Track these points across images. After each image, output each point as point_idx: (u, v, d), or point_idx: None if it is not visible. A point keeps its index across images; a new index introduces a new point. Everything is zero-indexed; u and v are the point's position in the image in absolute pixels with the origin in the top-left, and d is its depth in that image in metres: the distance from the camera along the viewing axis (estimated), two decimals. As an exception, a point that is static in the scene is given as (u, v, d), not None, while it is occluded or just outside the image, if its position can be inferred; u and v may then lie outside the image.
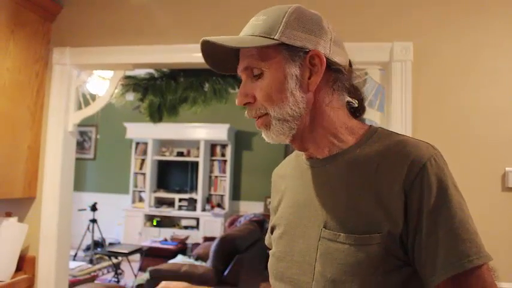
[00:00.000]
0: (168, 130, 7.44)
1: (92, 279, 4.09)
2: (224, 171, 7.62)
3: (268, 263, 0.99)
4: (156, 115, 3.19)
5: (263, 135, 0.92)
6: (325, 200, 0.88)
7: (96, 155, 8.20)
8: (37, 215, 2.43)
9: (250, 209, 7.32)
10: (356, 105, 0.98)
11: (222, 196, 7.65)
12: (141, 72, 2.97)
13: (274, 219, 1.00)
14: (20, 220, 2.41)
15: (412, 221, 0.79)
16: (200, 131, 7.43)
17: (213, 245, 4.10)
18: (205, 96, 2.98)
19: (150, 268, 4.03)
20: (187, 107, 3.20)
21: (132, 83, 3.00)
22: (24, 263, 2.39)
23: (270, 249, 1.08)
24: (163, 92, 2.92)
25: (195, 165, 7.58)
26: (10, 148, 2.30)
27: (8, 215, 2.40)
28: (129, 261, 5.78)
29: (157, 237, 7.00)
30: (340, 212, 0.85)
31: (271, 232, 1.03)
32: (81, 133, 8.09)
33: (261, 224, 5.64)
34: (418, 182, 0.79)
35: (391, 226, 0.79)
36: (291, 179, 1.00)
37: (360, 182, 0.85)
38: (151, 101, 3.08)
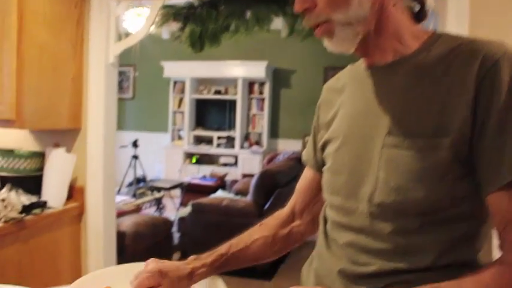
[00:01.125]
0: (205, 68, 7.40)
1: (137, 211, 4.23)
2: (262, 109, 7.59)
3: (323, 179, 0.97)
4: (198, 44, 3.14)
5: (325, 45, 0.86)
6: (389, 106, 0.83)
7: (135, 94, 8.29)
8: (83, 146, 2.48)
9: (288, 147, 7.31)
10: (418, 9, 0.91)
11: (260, 134, 7.66)
12: (180, 2, 2.90)
13: (328, 133, 0.96)
14: (68, 151, 2.46)
15: (480, 120, 0.73)
16: (238, 69, 7.36)
17: (254, 179, 4.14)
18: (248, 25, 2.89)
19: (191, 202, 4.13)
20: (229, 36, 3.12)
21: (172, 12, 2.93)
22: (74, 192, 2.47)
23: (305, 167, 1.09)
24: (204, 21, 2.85)
25: (233, 103, 7.56)
26: (54, 80, 2.32)
27: (56, 145, 2.45)
28: (170, 196, 5.95)
29: (196, 174, 7.15)
30: (405, 117, 0.80)
31: (323, 149, 0.99)
32: (120, 73, 8.13)
33: (299, 161, 5.64)
34: (490, 78, 0.73)
35: (460, 129, 0.74)
36: (348, 90, 0.95)
37: (427, 85, 0.79)
38: (192, 30, 3.01)
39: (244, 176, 6.66)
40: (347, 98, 0.94)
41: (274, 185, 4.07)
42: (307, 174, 1.11)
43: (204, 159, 7.68)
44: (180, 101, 7.88)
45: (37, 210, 2.22)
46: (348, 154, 0.88)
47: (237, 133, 7.52)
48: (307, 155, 1.09)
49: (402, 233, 0.79)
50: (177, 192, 6.21)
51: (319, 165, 1.03)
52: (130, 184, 6.23)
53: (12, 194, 2.23)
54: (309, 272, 0.99)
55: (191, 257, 1.03)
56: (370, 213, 0.82)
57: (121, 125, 8.04)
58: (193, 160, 7.62)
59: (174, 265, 0.99)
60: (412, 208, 0.77)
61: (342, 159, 0.89)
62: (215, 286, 1.04)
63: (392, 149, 0.79)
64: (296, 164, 5.31)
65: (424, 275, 0.76)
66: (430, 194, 0.75)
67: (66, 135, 2.50)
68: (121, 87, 8.15)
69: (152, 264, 0.96)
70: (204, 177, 6.64)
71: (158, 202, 5.46)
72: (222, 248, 1.06)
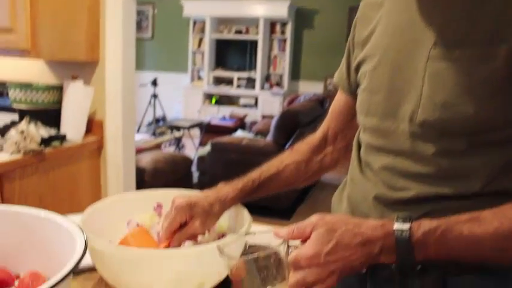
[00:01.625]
0: (226, 7, 7.18)
1: (155, 148, 4.23)
2: (284, 50, 7.41)
3: (358, 100, 0.89)
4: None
5: None
6: (435, 16, 0.73)
7: (154, 34, 8.14)
8: (101, 79, 2.41)
9: (309, 89, 7.18)
10: None
11: (281, 75, 7.52)
12: None
13: (365, 51, 0.87)
14: (86, 84, 2.41)
15: None
16: (259, 8, 7.12)
17: (275, 119, 4.07)
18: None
19: (211, 141, 4.10)
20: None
21: None
22: (93, 126, 2.44)
23: (337, 90, 1.03)
24: None
25: (253, 43, 7.39)
26: (70, 8, 2.23)
27: (74, 78, 2.40)
28: (190, 136, 5.94)
29: (216, 114, 7.11)
30: (454, 25, 0.70)
31: (358, 69, 0.91)
32: (138, 12, 7.94)
33: (321, 103, 5.53)
34: None
35: None
36: (389, 3, 0.84)
37: None
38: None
39: (264, 117, 6.59)
40: (387, 12, 0.84)
41: (295, 125, 3.99)
42: (340, 99, 1.04)
43: (224, 100, 7.61)
44: (200, 41, 7.72)
45: (56, 143, 2.20)
46: (387, 71, 0.79)
47: (257, 74, 7.39)
48: (339, 77, 1.01)
49: (447, 155, 0.71)
50: (196, 132, 6.20)
51: (353, 88, 0.95)
52: (150, 124, 6.23)
53: (31, 126, 2.21)
54: (341, 199, 0.94)
55: (220, 184, 0.99)
56: (411, 133, 0.74)
57: (140, 65, 7.96)
58: (213, 101, 7.57)
59: (202, 194, 0.96)
60: (459, 127, 0.69)
61: (379, 77, 0.81)
62: (240, 216, 1.00)
63: (439, 62, 0.70)
64: (318, 105, 5.21)
65: (468, 202, 0.69)
66: (480, 111, 0.67)
67: (84, 68, 2.44)
68: (140, 27, 7.99)
69: (179, 200, 0.93)
70: (223, 118, 6.60)
71: (178, 141, 5.46)
72: (253, 174, 1.02)
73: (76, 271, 0.99)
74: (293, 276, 0.66)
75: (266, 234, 0.75)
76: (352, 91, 0.96)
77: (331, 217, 0.69)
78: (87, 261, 0.88)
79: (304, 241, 0.68)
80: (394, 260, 0.66)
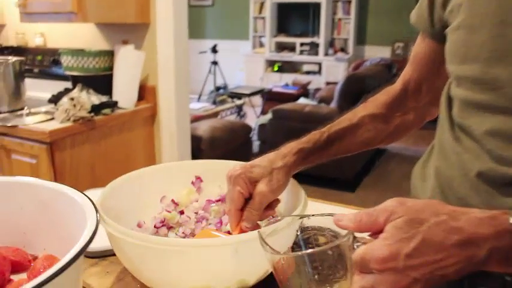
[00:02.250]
0: (287, -32, 6.87)
1: (215, 116, 4.11)
2: (348, 13, 7.00)
3: (449, 42, 0.67)
4: None
5: None
6: None
7: (215, 1, 7.97)
8: (153, 42, 2.29)
9: (376, 54, 6.77)
10: None
11: (345, 40, 7.15)
12: None
13: None
14: (137, 48, 2.29)
15: None
16: (322, -32, 6.75)
17: (339, 84, 3.81)
18: None
19: (272, 108, 3.92)
20: None
21: None
22: (146, 93, 2.33)
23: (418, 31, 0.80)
24: None
25: (316, 7, 7.03)
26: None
27: (125, 42, 2.29)
28: (251, 105, 5.79)
29: (278, 82, 6.90)
30: None
31: (445, 2, 0.68)
32: (199, -22, 7.82)
33: (389, 67, 5.17)
34: None
35: None
36: None
37: None
38: None
39: (328, 84, 6.31)
40: None
41: (361, 91, 3.71)
42: (421, 43, 0.82)
43: (286, 67, 7.37)
44: (261, 5, 7.46)
45: (107, 110, 2.11)
46: (490, 3, 0.57)
47: (321, 39, 7.06)
48: (418, 16, 0.78)
49: None
50: (258, 101, 6.04)
51: (437, 29, 0.73)
52: (210, 92, 6.14)
53: (83, 94, 2.13)
54: (425, 175, 0.73)
55: (283, 147, 0.81)
56: None
57: (201, 34, 7.86)
58: (275, 68, 7.35)
59: (264, 161, 0.78)
60: None
61: (482, 7, 0.58)
62: (295, 197, 0.81)
63: None
64: (385, 70, 4.87)
65: None
66: None
67: (134, 31, 2.32)
68: (200, -6, 7.86)
69: (231, 170, 0.76)
70: (286, 85, 6.38)
71: (239, 110, 5.32)
72: (319, 131, 0.83)
73: (100, 255, 0.87)
74: (358, 282, 0.48)
75: (324, 219, 0.57)
76: (436, 33, 0.73)
77: (414, 203, 0.49)
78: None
79: (375, 234, 0.49)
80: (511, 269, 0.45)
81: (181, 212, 0.86)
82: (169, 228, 0.84)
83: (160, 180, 0.89)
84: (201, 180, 0.91)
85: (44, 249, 0.78)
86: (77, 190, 0.73)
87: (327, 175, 3.76)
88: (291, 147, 0.80)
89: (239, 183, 0.74)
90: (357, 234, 0.51)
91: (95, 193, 0.76)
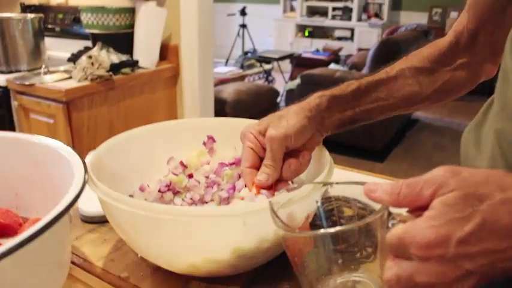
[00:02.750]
0: None
1: (242, 78, 3.99)
2: (384, -24, 6.68)
3: None
4: None
5: None
6: None
7: (245, -38, 7.73)
8: (176, -1, 2.17)
9: (412, 20, 6.46)
10: None
11: (380, 5, 6.84)
12: None
13: None
14: (159, 5, 2.18)
15: None
16: None
17: (372, 49, 3.63)
18: None
19: (301, 73, 3.77)
20: None
21: None
22: (168, 52, 2.23)
23: None
24: None
25: (351, -31, 6.74)
26: None
27: (147, -1, 2.18)
28: (280, 70, 5.64)
29: (308, 48, 6.69)
30: None
31: None
32: None
33: (426, 34, 4.91)
34: None
35: None
36: None
37: None
38: None
39: (360, 50, 6.07)
40: None
41: (395, 55, 3.50)
42: None
43: (318, 32, 7.13)
44: (293, -32, 7.20)
45: (127, 70, 2.02)
46: None
47: (354, 4, 6.77)
48: None
49: None
50: (287, 66, 5.87)
51: None
52: (239, 57, 6.00)
53: (103, 52, 2.05)
54: (481, 138, 0.61)
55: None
56: None
57: (230, -4, 7.67)
58: (306, 33, 7.12)
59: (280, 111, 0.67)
60: None
61: None
62: (320, 160, 0.70)
63: None
64: (422, 36, 4.62)
65: None
66: None
67: (157, -13, 2.20)
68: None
69: (248, 135, 0.67)
70: (316, 51, 6.17)
71: (267, 75, 5.18)
72: (350, 82, 0.72)
73: (98, 221, 0.78)
74: (392, 269, 0.37)
75: (352, 188, 0.46)
76: None
77: (471, 173, 0.37)
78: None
79: (416, 211, 0.38)
80: None
81: (190, 176, 0.77)
82: (176, 193, 0.74)
83: (168, 140, 0.79)
84: (214, 141, 0.81)
85: (37, 212, 0.70)
86: (70, 147, 0.64)
87: (355, 144, 3.62)
88: (314, 98, 0.69)
89: (249, 138, 0.65)
90: (393, 210, 0.40)
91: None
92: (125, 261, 0.64)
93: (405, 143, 4.07)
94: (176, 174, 0.76)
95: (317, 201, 0.50)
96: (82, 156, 0.63)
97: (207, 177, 0.77)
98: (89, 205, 0.76)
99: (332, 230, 0.39)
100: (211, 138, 0.81)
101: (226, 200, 0.73)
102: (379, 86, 0.70)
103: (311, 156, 0.67)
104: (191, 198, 0.73)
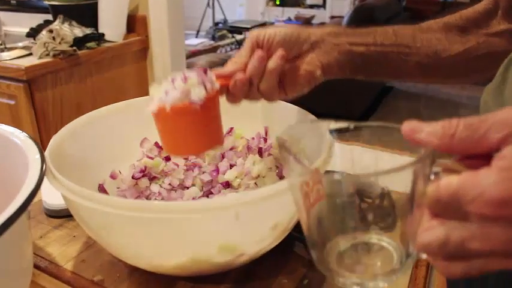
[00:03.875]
0: None
1: (214, 51, 3.86)
2: None
3: None
4: None
5: None
6: None
7: None
8: (141, -35, 2.03)
9: (384, -15, 6.37)
10: None
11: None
12: None
13: None
14: (123, -28, 2.03)
15: None
16: None
17: (346, 16, 3.54)
18: None
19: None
20: None
21: None
22: (136, 24, 2.10)
23: None
24: None
25: None
26: None
27: (109, -34, 2.03)
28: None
29: (280, 16, 6.55)
30: None
31: None
32: None
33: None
34: None
35: None
36: None
37: None
38: None
39: (333, 17, 5.97)
40: None
41: (370, 22, 3.44)
42: None
43: (289, 1, 6.98)
44: None
45: (92, 44, 1.88)
46: None
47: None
48: None
49: None
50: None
51: None
52: (209, 29, 5.82)
53: (65, 26, 1.90)
54: (503, 100, 0.54)
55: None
56: None
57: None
58: (277, 1, 6.96)
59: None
60: None
61: None
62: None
63: None
64: (395, 1, 4.55)
65: None
66: None
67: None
68: None
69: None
70: (288, 20, 6.05)
71: (239, 45, 5.05)
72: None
73: (65, 214, 0.69)
74: (436, 229, 0.29)
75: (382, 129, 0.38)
76: None
77: None
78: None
79: (470, 160, 0.30)
80: None
81: (167, 158, 0.68)
82: (152, 178, 0.66)
83: (140, 118, 0.70)
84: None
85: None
86: (23, 132, 0.55)
87: (332, 112, 3.56)
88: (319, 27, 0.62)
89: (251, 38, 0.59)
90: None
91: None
92: (98, 262, 0.56)
93: (382, 111, 4.04)
94: (151, 158, 0.68)
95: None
96: (47, 141, 0.54)
97: (186, 159, 0.69)
98: (54, 197, 0.67)
99: (364, 173, 0.31)
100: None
101: (209, 184, 0.66)
102: (402, 31, 0.62)
103: (301, 78, 0.59)
104: (170, 184, 0.65)
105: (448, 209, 0.29)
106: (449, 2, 5.48)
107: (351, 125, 0.40)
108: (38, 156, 0.48)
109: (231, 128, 0.70)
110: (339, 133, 0.41)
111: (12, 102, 1.71)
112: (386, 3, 4.06)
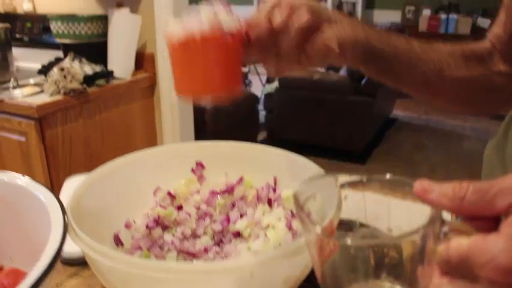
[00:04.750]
0: None
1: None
2: (357, -25, 6.70)
3: None
4: None
5: None
6: None
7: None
8: (150, 4, 2.09)
9: (385, 18, 6.49)
10: None
11: (354, 4, 6.85)
12: None
13: None
14: (133, 11, 2.09)
15: None
16: None
17: (349, 50, 3.59)
18: None
19: (279, 77, 3.72)
20: None
21: None
22: (144, 61, 2.15)
23: None
24: None
25: (323, -32, 6.72)
26: None
27: (119, 5, 2.10)
28: (257, 72, 5.58)
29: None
30: None
31: None
32: None
33: (400, 31, 4.93)
34: None
35: None
36: None
37: None
38: None
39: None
40: None
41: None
42: None
43: (292, 34, 7.10)
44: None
45: (101, 81, 1.93)
46: None
47: (328, 3, 6.77)
48: None
49: None
50: (263, 68, 5.81)
51: None
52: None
53: (75, 63, 1.95)
54: (504, 157, 0.56)
55: None
56: None
57: (204, -1, 7.57)
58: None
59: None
60: None
61: None
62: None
63: None
64: (396, 34, 4.63)
65: None
66: None
67: (130, -7, 2.12)
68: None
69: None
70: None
71: (244, 78, 5.12)
72: None
73: (81, 262, 0.71)
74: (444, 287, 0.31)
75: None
76: None
77: None
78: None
79: (476, 221, 0.32)
80: None
81: (179, 207, 0.70)
82: (165, 228, 0.68)
83: (153, 168, 0.72)
84: (203, 167, 0.74)
85: (10, 258, 0.63)
86: (44, 186, 0.57)
87: (335, 146, 3.60)
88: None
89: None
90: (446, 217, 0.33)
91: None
92: (113, 312, 0.58)
93: (385, 143, 4.06)
94: (164, 207, 0.70)
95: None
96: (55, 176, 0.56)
97: (197, 208, 0.71)
98: (69, 244, 0.69)
99: (377, 241, 0.33)
100: (200, 165, 0.75)
101: (221, 233, 0.68)
102: (413, 41, 0.63)
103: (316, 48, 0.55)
104: (182, 233, 0.67)
105: (458, 270, 0.31)
106: (450, 34, 5.57)
107: (364, 177, 0.41)
108: (59, 211, 0.51)
109: (241, 178, 0.72)
110: (351, 186, 0.43)
111: (23, 139, 1.75)
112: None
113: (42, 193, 0.55)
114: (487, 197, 0.31)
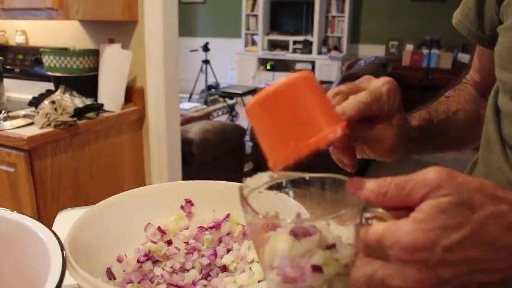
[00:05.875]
0: (280, -36, 6.74)
1: (207, 116, 3.98)
2: (342, 11, 6.90)
3: (498, 47, 0.55)
4: None
5: None
6: None
7: (207, -2, 7.84)
8: (141, 40, 2.16)
9: (370, 52, 6.67)
10: None
11: (339, 38, 7.04)
12: None
13: None
14: (124, 47, 2.16)
15: None
16: (315, -35, 6.63)
17: (334, 84, 3.70)
18: None
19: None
20: None
21: None
22: (133, 95, 2.20)
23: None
24: None
25: (310, 4, 6.92)
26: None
27: (111, 41, 2.16)
28: (244, 104, 5.67)
29: (271, 81, 6.78)
30: None
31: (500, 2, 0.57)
32: (190, -25, 7.66)
33: (384, 66, 5.07)
34: None
35: None
36: None
37: None
38: None
39: (322, 83, 6.19)
40: None
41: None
42: (477, 49, 0.72)
43: (279, 66, 7.24)
44: (254, 3, 7.32)
45: (91, 114, 1.97)
46: None
47: (314, 37, 6.95)
48: (462, 17, 0.66)
49: None
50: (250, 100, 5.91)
51: (487, 32, 0.61)
52: (202, 92, 6.00)
53: (66, 96, 2.00)
54: None
55: None
56: None
57: (192, 31, 7.71)
58: (268, 66, 7.22)
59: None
60: None
61: None
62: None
63: None
64: (380, 68, 4.76)
65: None
66: None
67: (121, 30, 2.19)
68: (192, -9, 7.70)
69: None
70: (278, 85, 6.25)
71: (231, 109, 5.20)
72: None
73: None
74: (363, 267, 0.36)
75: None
76: (485, 37, 0.63)
77: (467, 179, 0.36)
78: None
79: (399, 210, 0.37)
80: None
81: (169, 242, 0.74)
82: (155, 262, 0.72)
83: (144, 205, 0.76)
84: (192, 204, 0.79)
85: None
86: (42, 223, 0.61)
87: (329, 170, 3.63)
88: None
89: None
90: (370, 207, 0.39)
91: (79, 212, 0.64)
92: None
93: (373, 170, 4.13)
94: (155, 242, 0.73)
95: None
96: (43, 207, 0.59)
97: (186, 243, 0.75)
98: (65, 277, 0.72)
99: (304, 221, 0.39)
100: (189, 202, 0.79)
101: (208, 267, 0.71)
102: (444, 127, 0.68)
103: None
104: (171, 267, 0.71)
105: (374, 251, 0.36)
106: (432, 69, 5.74)
107: (306, 176, 0.49)
108: (58, 248, 0.54)
109: (228, 214, 0.76)
110: (294, 184, 0.50)
111: (12, 170, 1.77)
112: (373, 71, 4.26)
113: (41, 231, 0.59)
114: (405, 190, 0.36)
